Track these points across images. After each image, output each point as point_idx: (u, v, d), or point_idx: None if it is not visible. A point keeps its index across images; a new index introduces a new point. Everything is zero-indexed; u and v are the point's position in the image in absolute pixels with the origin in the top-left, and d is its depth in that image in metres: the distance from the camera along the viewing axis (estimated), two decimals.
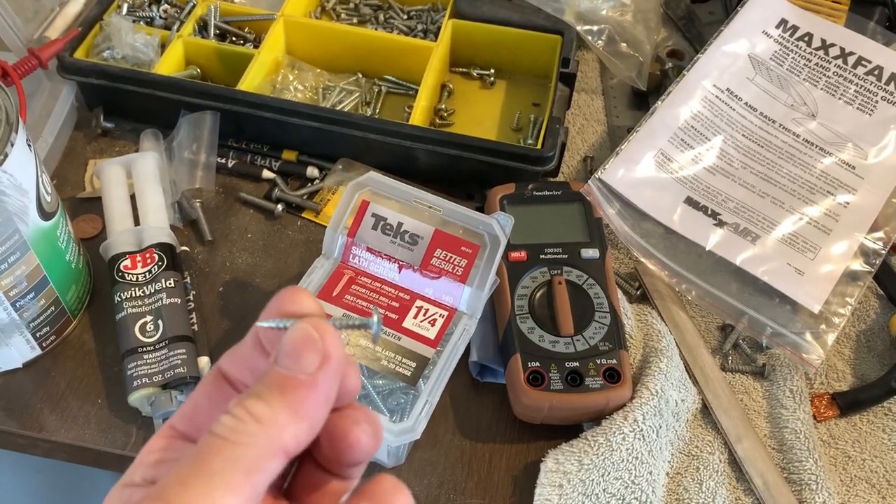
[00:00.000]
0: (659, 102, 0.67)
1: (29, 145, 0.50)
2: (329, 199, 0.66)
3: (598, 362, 0.53)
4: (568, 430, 0.53)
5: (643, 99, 0.76)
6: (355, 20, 0.77)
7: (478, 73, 0.75)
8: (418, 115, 0.67)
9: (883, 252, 0.61)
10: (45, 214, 0.52)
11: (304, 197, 0.66)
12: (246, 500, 0.23)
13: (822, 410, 0.57)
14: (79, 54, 0.67)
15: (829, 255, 0.60)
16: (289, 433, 0.24)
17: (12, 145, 0.47)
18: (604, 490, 0.50)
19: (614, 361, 0.53)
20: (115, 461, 0.54)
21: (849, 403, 0.57)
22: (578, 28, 0.71)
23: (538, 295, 0.56)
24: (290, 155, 0.68)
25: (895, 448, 0.56)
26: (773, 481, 0.53)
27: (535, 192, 0.61)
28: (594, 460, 0.50)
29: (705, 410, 0.57)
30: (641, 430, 0.51)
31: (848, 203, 0.63)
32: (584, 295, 0.56)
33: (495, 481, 0.53)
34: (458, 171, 0.66)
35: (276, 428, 0.23)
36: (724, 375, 0.58)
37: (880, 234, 0.62)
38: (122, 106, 0.68)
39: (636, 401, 0.52)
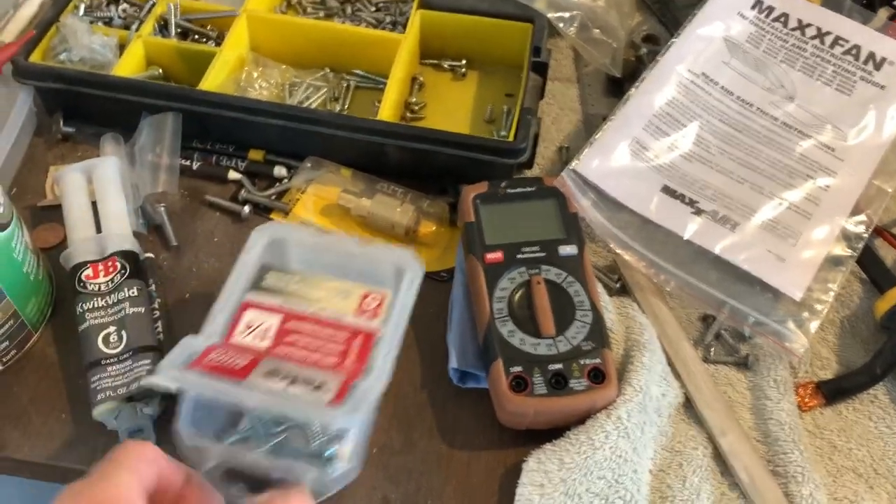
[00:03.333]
0: (633, 90, 0.65)
1: None
2: (298, 199, 0.64)
3: (582, 363, 0.51)
4: (551, 434, 0.52)
5: (619, 86, 0.74)
6: (322, 14, 0.75)
7: (449, 65, 0.74)
8: (387, 110, 0.65)
9: (865, 235, 0.60)
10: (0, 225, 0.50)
11: (273, 197, 0.65)
12: None
13: (806, 400, 0.55)
14: (35, 58, 0.65)
15: (810, 240, 0.59)
16: None
17: None
18: (587, 490, 0.49)
19: (598, 361, 0.51)
20: (80, 477, 0.52)
21: (834, 392, 0.56)
22: (549, 15, 0.70)
23: (517, 296, 0.54)
24: (256, 155, 0.66)
25: (882, 436, 0.55)
26: (758, 475, 0.51)
27: (508, 190, 0.60)
28: (576, 459, 0.49)
29: (688, 405, 0.55)
30: (625, 427, 0.50)
31: (828, 186, 0.62)
32: (563, 293, 0.54)
33: (474, 485, 0.52)
34: (430, 165, 0.64)
35: None
36: (707, 368, 0.57)
37: (862, 217, 0.61)
38: (82, 110, 0.66)
39: (619, 398, 0.51)
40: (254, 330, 0.49)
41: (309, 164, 0.65)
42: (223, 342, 0.49)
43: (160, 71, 0.68)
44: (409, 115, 0.70)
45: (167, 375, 0.45)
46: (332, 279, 0.52)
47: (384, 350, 0.48)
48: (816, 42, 0.69)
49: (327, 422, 0.45)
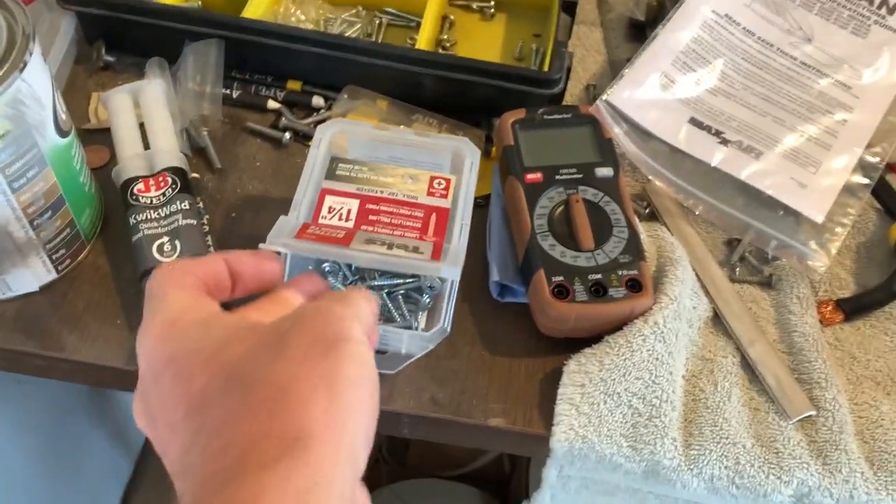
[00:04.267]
0: (661, 27, 0.68)
1: (43, 59, 0.49)
2: None
3: (620, 273, 0.54)
4: (586, 342, 0.54)
5: (640, 30, 0.76)
6: None
7: (477, 6, 0.76)
8: (423, 45, 0.67)
9: (881, 166, 0.63)
10: (62, 132, 0.52)
11: (311, 126, 0.66)
12: None
13: (827, 316, 0.59)
14: None
15: (829, 169, 0.62)
16: None
17: (31, 54, 0.47)
18: (625, 389, 0.51)
19: (635, 272, 0.54)
20: (136, 380, 0.54)
21: (853, 308, 0.59)
22: None
23: (557, 213, 0.57)
24: (294, 85, 0.68)
25: None
26: (785, 380, 0.55)
27: (545, 117, 0.62)
28: (615, 361, 0.52)
29: (716, 319, 0.58)
30: (662, 332, 0.52)
31: (846, 121, 0.65)
32: (601, 212, 0.57)
33: (516, 388, 0.54)
34: (465, 96, 0.66)
35: None
36: (733, 286, 0.60)
37: (877, 149, 0.64)
38: (123, 38, 0.68)
39: (655, 305, 0.53)
40: (337, 212, 0.52)
41: (346, 95, 0.67)
42: (313, 221, 0.52)
43: (199, 3, 0.70)
44: (440, 51, 0.72)
45: (281, 242, 0.48)
46: (397, 167, 0.56)
47: (459, 222, 0.53)
48: None
49: (434, 272, 0.49)
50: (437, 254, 0.50)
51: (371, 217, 0.53)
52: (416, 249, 0.50)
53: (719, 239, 0.63)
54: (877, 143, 0.64)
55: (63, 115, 0.52)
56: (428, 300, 0.56)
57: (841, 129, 0.64)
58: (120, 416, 1.31)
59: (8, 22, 0.48)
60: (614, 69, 0.74)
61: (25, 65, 0.46)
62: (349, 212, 0.53)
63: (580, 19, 0.77)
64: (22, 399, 1.01)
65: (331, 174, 0.55)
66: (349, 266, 0.55)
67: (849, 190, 0.62)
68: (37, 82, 0.48)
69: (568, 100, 0.71)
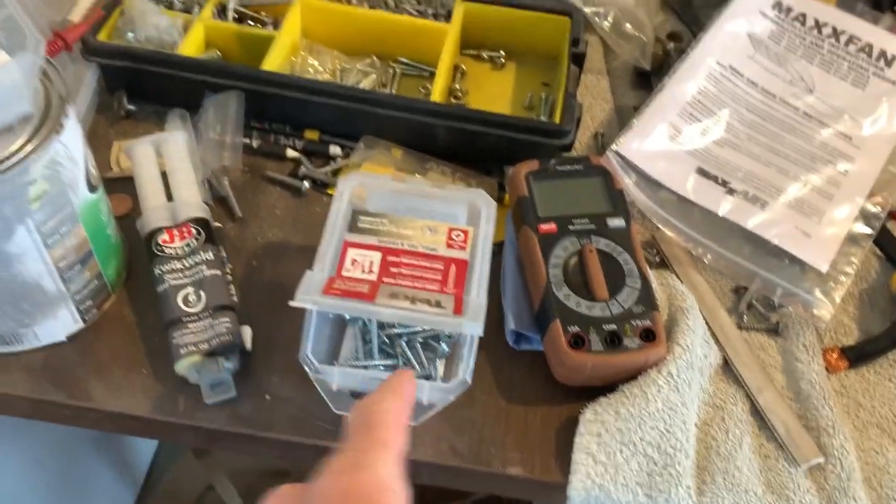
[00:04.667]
0: (667, 79, 0.70)
1: (77, 118, 0.51)
2: None
3: (634, 324, 0.56)
4: (600, 391, 0.56)
5: (646, 79, 0.79)
6: (366, 4, 0.79)
7: (488, 55, 0.78)
8: (437, 95, 0.69)
9: (882, 215, 0.65)
10: (92, 187, 0.53)
11: (329, 174, 0.68)
12: None
13: (833, 363, 0.60)
14: (101, 37, 0.68)
15: (832, 218, 0.64)
16: None
17: (67, 117, 0.49)
18: (641, 439, 0.53)
19: (649, 322, 0.56)
20: (163, 428, 0.55)
21: (858, 355, 0.61)
22: (586, 10, 0.74)
23: (571, 264, 0.58)
24: (312, 134, 0.70)
25: None
26: (794, 427, 0.56)
27: (557, 167, 0.64)
28: (631, 411, 0.53)
29: (725, 366, 0.60)
30: (676, 382, 0.54)
31: (847, 171, 0.67)
32: (614, 262, 0.58)
33: (532, 436, 0.56)
34: (477, 146, 0.68)
35: None
36: (741, 333, 0.62)
37: (878, 199, 0.66)
38: (144, 88, 0.69)
39: (668, 355, 0.55)
40: (360, 265, 0.54)
41: (363, 144, 0.69)
42: (337, 275, 0.54)
43: (218, 53, 0.72)
44: (453, 101, 0.74)
45: (311, 300, 0.50)
46: (415, 220, 0.58)
47: (478, 274, 0.55)
48: (832, 40, 0.74)
49: (457, 328, 0.51)
50: (458, 307, 0.51)
51: (392, 269, 0.55)
52: (438, 304, 0.51)
53: (727, 287, 0.65)
54: (878, 192, 0.67)
55: (93, 171, 0.54)
56: (446, 349, 0.57)
57: (843, 180, 0.66)
58: (124, 451, 1.31)
59: (44, 84, 0.49)
60: (620, 116, 0.76)
61: (62, 127, 0.48)
62: (371, 264, 0.55)
63: (587, 68, 0.79)
64: (32, 434, 1.02)
65: (353, 227, 0.57)
66: None
67: (852, 239, 0.64)
68: (71, 142, 0.50)
69: (577, 147, 0.73)
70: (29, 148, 0.47)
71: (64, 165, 0.49)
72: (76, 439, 1.14)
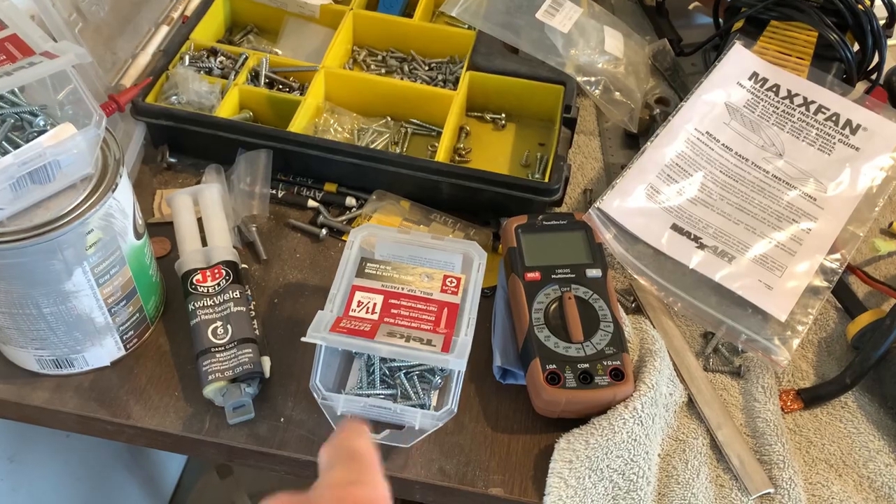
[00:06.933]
0: (648, 143, 0.78)
1: (128, 177, 0.60)
2: None
3: (605, 363, 0.63)
4: (576, 422, 0.63)
5: (634, 139, 0.87)
6: (383, 70, 0.89)
7: (490, 117, 0.86)
8: (442, 153, 0.77)
9: (840, 271, 0.72)
10: (138, 234, 0.62)
11: (344, 223, 0.77)
12: None
13: (788, 403, 0.67)
14: (149, 99, 0.78)
15: (793, 273, 0.71)
16: None
17: (121, 177, 0.58)
18: (607, 466, 0.60)
19: (619, 363, 0.63)
20: (191, 445, 0.64)
21: (811, 398, 0.67)
22: (578, 79, 0.83)
23: (552, 308, 0.66)
24: (331, 187, 0.79)
25: (850, 435, 0.66)
26: (748, 460, 0.63)
27: (544, 222, 0.72)
28: (599, 441, 0.60)
29: (690, 404, 0.67)
30: (640, 417, 0.61)
31: (810, 229, 0.74)
32: (590, 308, 0.66)
33: (514, 461, 0.63)
34: (476, 201, 0.76)
35: None
36: (706, 374, 0.68)
37: (838, 255, 0.73)
38: (185, 144, 0.79)
39: (635, 392, 0.62)
40: (364, 306, 0.62)
41: (375, 196, 0.78)
42: (344, 315, 0.62)
43: (250, 114, 0.81)
44: (457, 158, 0.83)
45: (320, 337, 0.58)
46: (415, 267, 0.66)
47: (466, 316, 0.62)
48: (803, 109, 0.82)
49: (444, 363, 0.59)
50: (446, 346, 0.59)
51: (393, 310, 0.63)
52: (429, 342, 0.59)
53: (697, 331, 0.72)
54: (838, 249, 0.73)
55: (140, 221, 0.63)
56: (439, 381, 0.65)
57: (805, 237, 0.73)
58: (152, 470, 1.40)
59: (103, 150, 0.59)
60: (609, 173, 0.84)
61: (117, 186, 0.57)
62: (375, 305, 0.63)
63: (581, 129, 0.88)
64: (68, 451, 1.10)
65: (360, 272, 0.65)
66: None
67: (811, 291, 0.71)
68: (123, 198, 0.59)
69: (567, 202, 0.81)
70: (88, 203, 0.56)
71: (116, 217, 0.58)
72: (110, 458, 1.23)
